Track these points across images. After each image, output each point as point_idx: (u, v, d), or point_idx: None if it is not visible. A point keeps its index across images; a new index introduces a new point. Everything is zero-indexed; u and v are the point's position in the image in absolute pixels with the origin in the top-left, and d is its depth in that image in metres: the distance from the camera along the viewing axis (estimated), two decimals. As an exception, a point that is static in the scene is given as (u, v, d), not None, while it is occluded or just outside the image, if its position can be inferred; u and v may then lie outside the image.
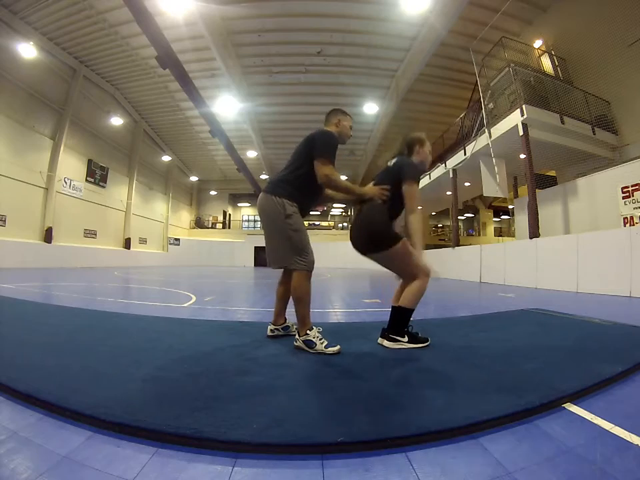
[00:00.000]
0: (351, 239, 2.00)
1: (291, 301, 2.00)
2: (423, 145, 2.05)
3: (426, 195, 13.05)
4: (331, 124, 2.03)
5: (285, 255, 1.87)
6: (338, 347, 1.77)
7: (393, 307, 1.97)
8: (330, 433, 0.96)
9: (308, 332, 1.81)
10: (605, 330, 2.36)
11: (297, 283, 1.85)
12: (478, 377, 1.43)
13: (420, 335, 1.93)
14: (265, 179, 24.20)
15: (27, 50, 10.78)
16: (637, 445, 0.93)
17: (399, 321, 1.90)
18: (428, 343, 1.89)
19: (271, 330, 2.11)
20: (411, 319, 1.92)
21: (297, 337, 1.87)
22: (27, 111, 12.13)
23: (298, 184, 1.90)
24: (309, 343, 1.79)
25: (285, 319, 2.16)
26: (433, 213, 24.92)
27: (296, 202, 1.90)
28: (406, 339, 1.88)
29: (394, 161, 2.03)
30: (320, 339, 1.79)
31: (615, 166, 7.02)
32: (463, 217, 27.97)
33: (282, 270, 2.08)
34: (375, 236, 1.88)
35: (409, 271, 1.91)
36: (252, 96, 14.32)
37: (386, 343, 1.89)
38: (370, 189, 1.96)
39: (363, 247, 1.95)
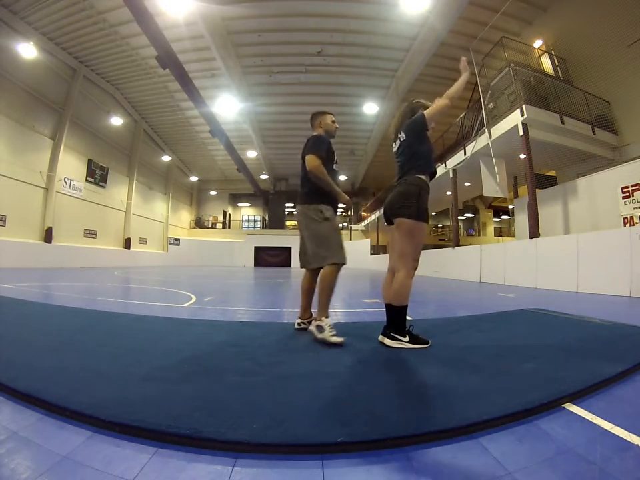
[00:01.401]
0: (385, 205, 2.07)
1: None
2: (426, 107, 2.18)
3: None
4: (316, 127, 2.34)
5: (326, 253, 2.07)
6: (342, 339, 1.89)
7: (385, 305, 1.99)
8: (330, 433, 0.96)
9: (324, 318, 1.99)
10: (605, 330, 2.36)
11: (329, 274, 2.06)
12: (478, 376, 1.42)
13: (421, 337, 1.93)
14: (265, 179, 24.23)
15: (27, 50, 10.79)
16: (637, 444, 0.93)
17: (396, 319, 1.91)
18: (429, 345, 1.88)
19: (298, 324, 2.29)
20: (411, 318, 1.92)
21: (312, 321, 2.06)
22: (26, 111, 12.12)
23: (322, 190, 2.16)
24: (319, 328, 1.97)
25: (311, 314, 2.31)
26: (433, 213, 24.92)
27: (330, 204, 2.18)
28: (407, 338, 1.87)
29: (402, 133, 2.12)
30: (330, 328, 1.95)
31: (615, 166, 7.00)
32: (463, 217, 27.97)
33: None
34: (408, 197, 1.93)
35: (403, 254, 1.94)
36: (252, 96, 14.33)
37: (387, 341, 1.89)
38: (343, 195, 2.23)
39: (392, 208, 2.00)
